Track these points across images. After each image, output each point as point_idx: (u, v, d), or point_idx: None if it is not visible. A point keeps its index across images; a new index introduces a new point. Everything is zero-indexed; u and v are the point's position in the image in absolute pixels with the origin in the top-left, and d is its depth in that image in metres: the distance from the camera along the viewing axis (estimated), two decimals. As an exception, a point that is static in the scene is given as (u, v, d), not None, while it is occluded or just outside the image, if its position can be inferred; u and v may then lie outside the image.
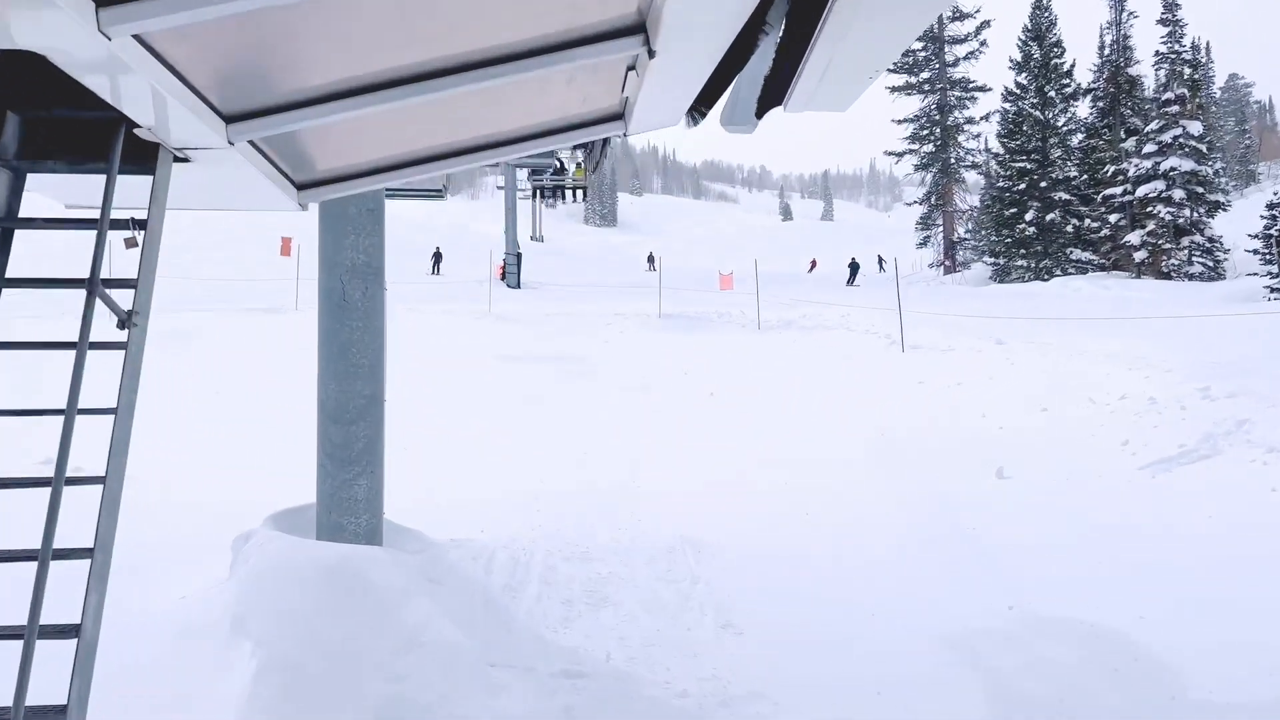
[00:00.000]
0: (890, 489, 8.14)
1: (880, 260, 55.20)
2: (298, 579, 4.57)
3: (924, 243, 43.76)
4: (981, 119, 41.36)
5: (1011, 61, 35.96)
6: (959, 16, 41.34)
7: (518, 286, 28.59)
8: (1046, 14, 35.30)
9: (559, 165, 20.34)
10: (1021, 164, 34.14)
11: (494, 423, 10.69)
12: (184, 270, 29.55)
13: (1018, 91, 35.51)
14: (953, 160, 42.10)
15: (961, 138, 42.15)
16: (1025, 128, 34.39)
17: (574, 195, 21.01)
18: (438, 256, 35.74)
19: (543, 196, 22.12)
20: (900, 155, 43.29)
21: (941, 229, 42.85)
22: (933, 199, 43.00)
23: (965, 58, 41.52)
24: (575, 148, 20.97)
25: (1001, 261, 34.53)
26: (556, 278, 36.29)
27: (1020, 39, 35.53)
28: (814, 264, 52.66)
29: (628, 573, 6.33)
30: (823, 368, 13.91)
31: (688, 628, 5.36)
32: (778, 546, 6.87)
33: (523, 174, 72.55)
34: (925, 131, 42.57)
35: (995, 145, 39.35)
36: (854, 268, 37.75)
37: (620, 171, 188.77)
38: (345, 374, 5.71)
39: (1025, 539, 6.27)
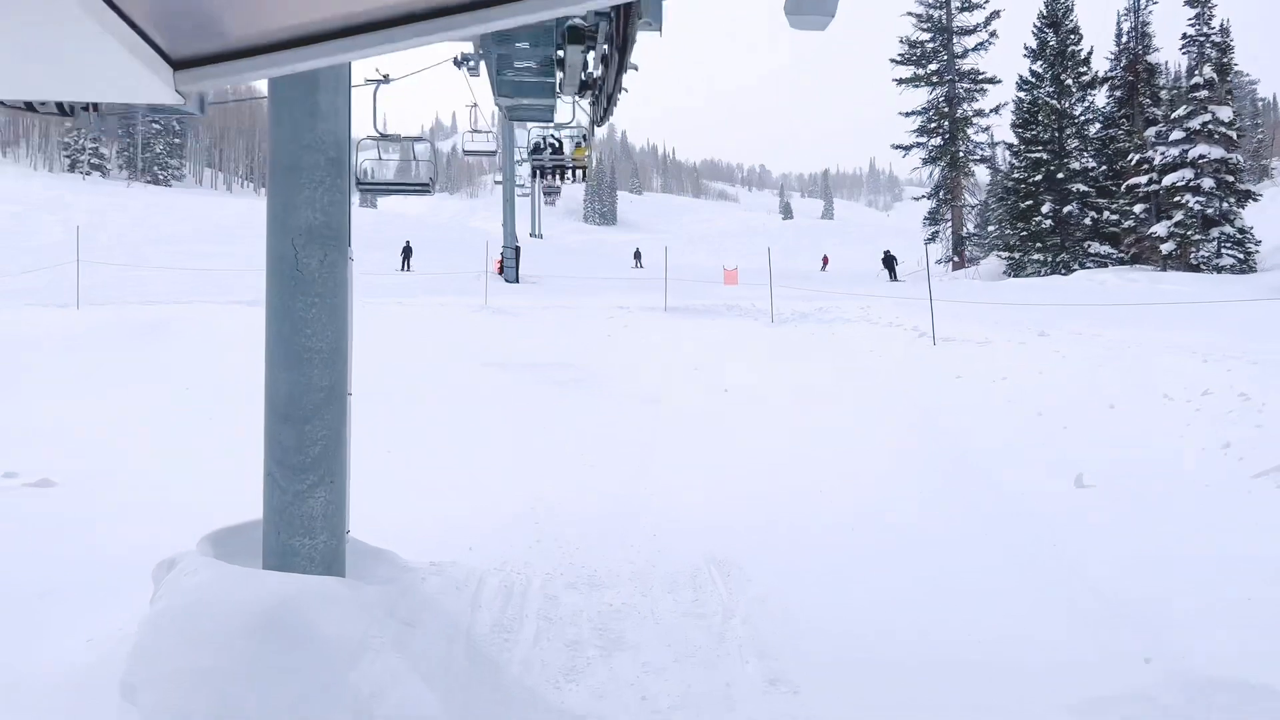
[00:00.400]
0: (947, 497, 6.98)
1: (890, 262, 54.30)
2: (217, 629, 3.42)
3: (932, 238, 42.67)
4: (991, 111, 40.27)
5: (1026, 49, 34.80)
6: (968, 6, 40.27)
7: (516, 281, 27.44)
8: (1062, 0, 34.15)
9: (557, 144, 19.24)
10: (1037, 154, 32.96)
11: (487, 424, 9.53)
12: (171, 260, 28.48)
13: (1033, 80, 34.33)
14: (961, 154, 40.98)
15: (970, 130, 41.01)
16: (1041, 117, 33.21)
17: (574, 175, 19.79)
18: (407, 251, 33.65)
19: (541, 176, 21.39)
20: (907, 149, 42.16)
21: (950, 224, 41.71)
22: (940, 193, 41.86)
23: (974, 49, 40.41)
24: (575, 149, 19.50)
25: (1016, 256, 33.36)
26: (556, 272, 35.16)
27: (1035, 25, 34.33)
28: (826, 261, 51.15)
29: (646, 605, 5.17)
30: (847, 362, 12.76)
31: (727, 682, 4.20)
32: (821, 569, 5.72)
33: (523, 170, 71.52)
34: (933, 124, 41.45)
35: (1008, 136, 38.23)
36: (890, 261, 35.45)
37: (620, 170, 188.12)
38: (297, 360, 4.52)
39: (1132, 564, 5.11)
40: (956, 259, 40.92)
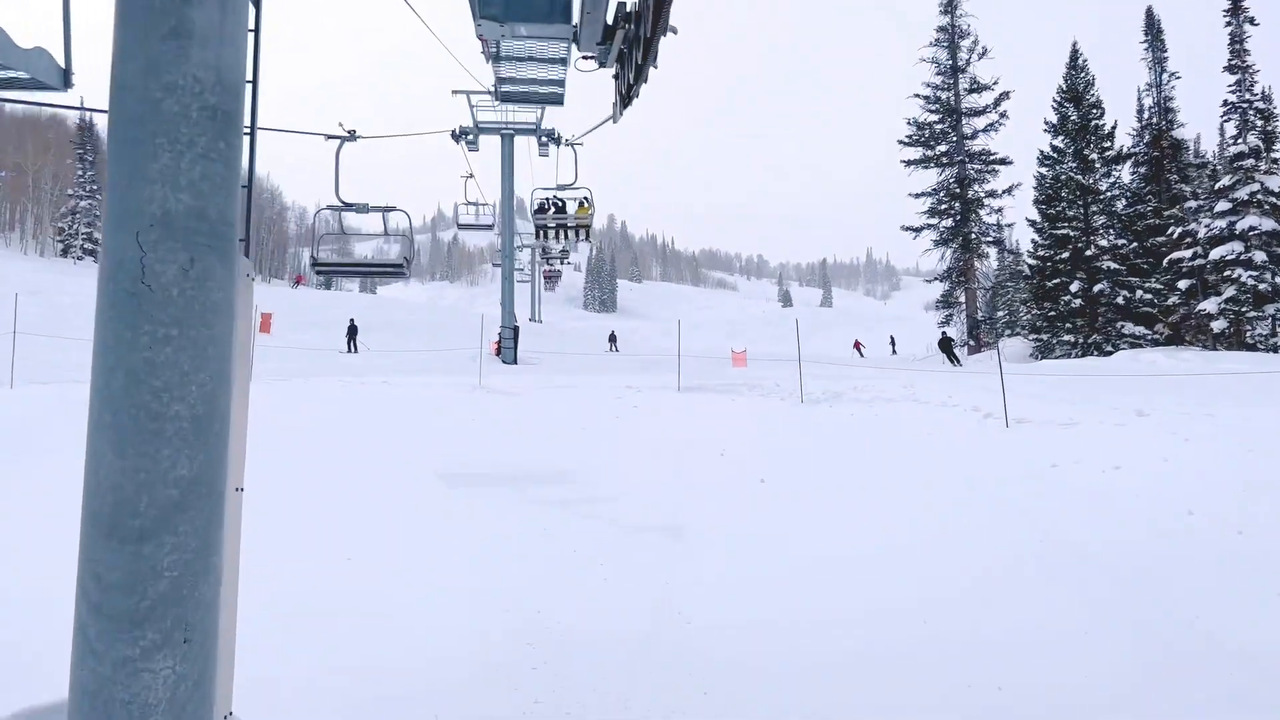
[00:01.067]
0: (1105, 626, 4.85)
1: (892, 341, 52.92)
2: None
3: (946, 322, 41.07)
4: (1004, 192, 39.17)
5: (1046, 124, 33.78)
6: (976, 88, 39.62)
7: (514, 362, 25.56)
8: (1083, 74, 33.26)
9: (560, 204, 19.04)
10: (1063, 231, 31.38)
11: (468, 531, 7.38)
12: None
13: (1054, 155, 33.16)
14: (974, 235, 39.74)
15: (983, 212, 39.87)
16: (1065, 193, 31.83)
17: (578, 235, 19.53)
18: (352, 330, 31.12)
19: (544, 238, 20.40)
20: (918, 230, 40.92)
21: (964, 307, 40.15)
22: (954, 276, 40.46)
23: (984, 130, 39.58)
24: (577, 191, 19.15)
25: (1044, 337, 31.53)
26: (554, 353, 33.36)
27: (1056, 100, 33.36)
28: (860, 346, 49.42)
29: None
30: (904, 447, 10.66)
31: None
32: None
33: (523, 255, 70.59)
34: (944, 206, 40.36)
35: (1022, 216, 37.02)
36: (948, 344, 31.36)
37: (620, 259, 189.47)
38: (134, 433, 2.34)
39: None
40: (973, 343, 39.22)
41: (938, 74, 40.34)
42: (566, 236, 19.42)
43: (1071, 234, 30.96)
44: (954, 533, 7.32)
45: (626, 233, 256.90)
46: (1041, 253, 32.69)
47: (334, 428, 11.02)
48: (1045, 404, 12.01)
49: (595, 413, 13.09)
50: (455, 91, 25.79)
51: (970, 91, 39.73)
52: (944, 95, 40.14)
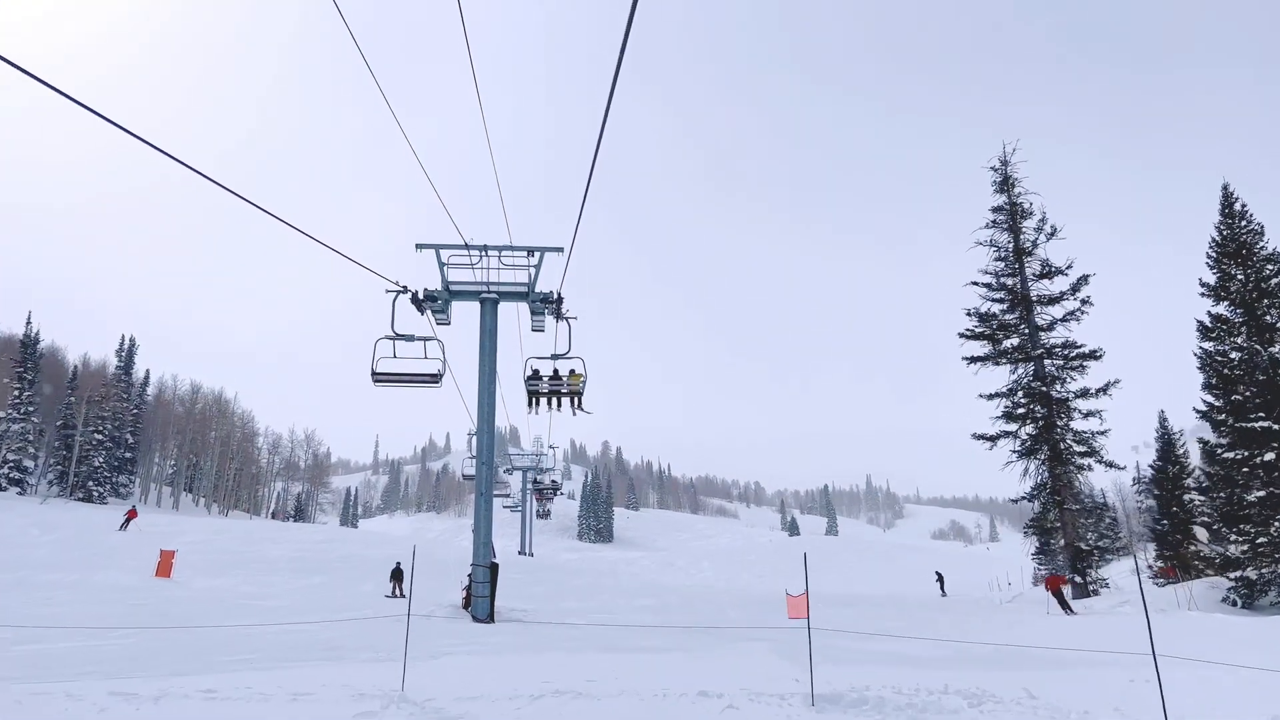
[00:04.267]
0: None
1: (940, 580, 42.66)
2: None
3: (1041, 552, 32.85)
4: (1099, 391, 32.19)
5: (1204, 287, 27.00)
6: (1048, 272, 33.89)
7: (488, 617, 17.20)
8: (1244, 222, 27.10)
9: (553, 371, 18.89)
10: (1261, 422, 23.92)
11: None
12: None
13: (1220, 327, 26.59)
14: (1065, 444, 32.32)
15: (1075, 420, 32.64)
16: (1247, 375, 24.94)
17: (572, 403, 19.31)
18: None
19: (535, 403, 19.11)
20: (993, 440, 33.64)
21: (1061, 532, 31.94)
22: (1044, 493, 32.62)
23: (1062, 320, 33.37)
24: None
25: (1249, 575, 23.35)
26: (547, 602, 24.87)
27: (1211, 257, 26.97)
28: (942, 579, 40.60)
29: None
30: None
31: None
32: None
33: (514, 479, 62.22)
34: (1022, 410, 33.33)
35: (1127, 421, 29.64)
36: (1059, 592, 24.21)
37: (616, 486, 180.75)
38: None
39: None
40: (1078, 579, 30.67)
41: (998, 259, 34.76)
42: (559, 404, 19.24)
43: (1275, 427, 23.60)
44: None
45: (622, 459, 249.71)
46: (1226, 454, 25.04)
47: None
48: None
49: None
50: (421, 246, 19.31)
51: (1041, 276, 33.94)
52: (1010, 281, 34.35)
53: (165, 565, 24.89)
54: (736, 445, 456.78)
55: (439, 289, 19.02)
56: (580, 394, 18.85)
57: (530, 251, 19.34)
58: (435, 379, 17.40)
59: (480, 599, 17.49)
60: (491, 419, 18.93)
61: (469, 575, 18.44)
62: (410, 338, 17.41)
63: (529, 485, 64.13)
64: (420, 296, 18.62)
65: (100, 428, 62.73)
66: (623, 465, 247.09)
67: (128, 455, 69.15)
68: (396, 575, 25.12)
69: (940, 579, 40.75)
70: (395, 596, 23.33)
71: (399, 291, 17.60)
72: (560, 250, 19.21)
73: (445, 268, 18.98)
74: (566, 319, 19.23)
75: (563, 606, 24.63)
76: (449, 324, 19.85)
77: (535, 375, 18.60)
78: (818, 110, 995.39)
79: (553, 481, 41.04)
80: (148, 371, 78.84)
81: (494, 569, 18.02)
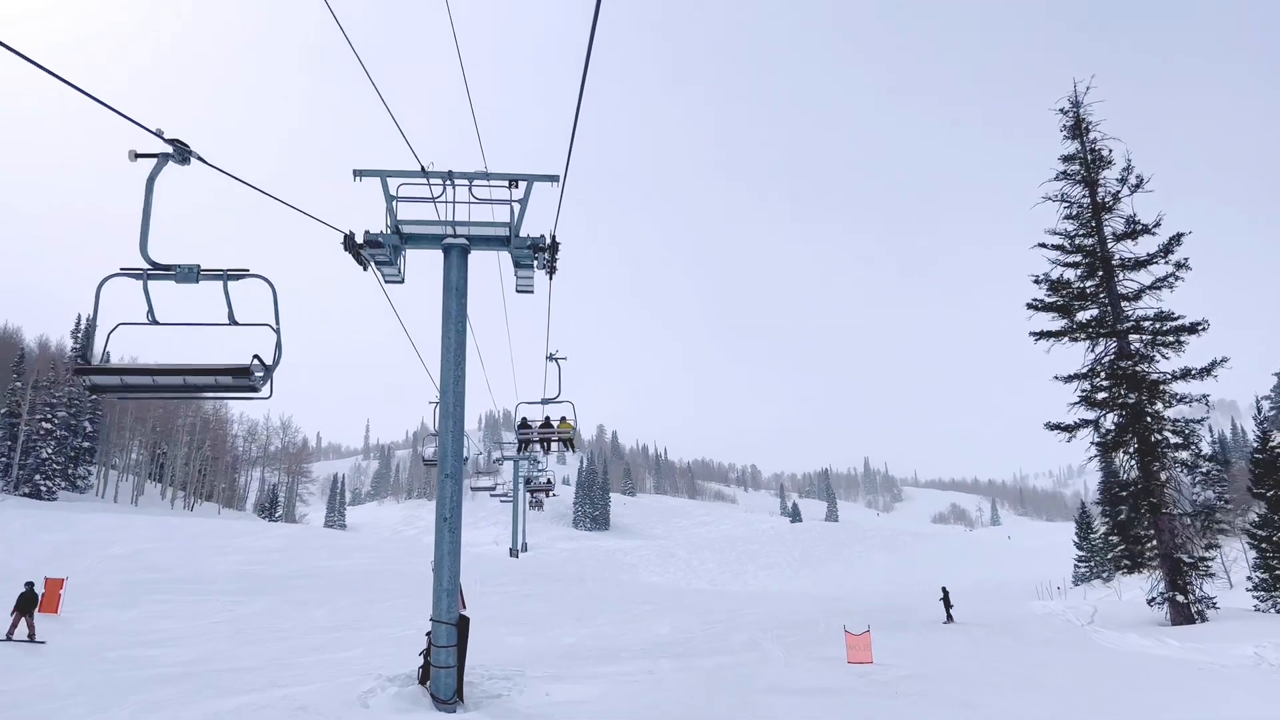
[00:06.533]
0: None
1: (946, 599, 28.57)
2: None
3: (1131, 562, 27.66)
4: (1200, 372, 26.82)
5: None
6: (1132, 231, 28.38)
7: (451, 702, 11.93)
8: None
9: (544, 420, 18.89)
10: None
11: None
12: None
13: None
14: (1158, 434, 26.95)
15: (1170, 408, 27.30)
16: None
17: (561, 448, 18.70)
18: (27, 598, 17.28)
19: (525, 448, 19.79)
20: (1071, 430, 28.30)
21: (1156, 541, 26.65)
22: (1132, 493, 27.35)
23: (1150, 287, 27.94)
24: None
25: None
26: (541, 632, 19.88)
27: None
28: (948, 598, 26.85)
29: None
30: None
31: None
32: None
33: (506, 469, 56.70)
34: (1104, 394, 27.96)
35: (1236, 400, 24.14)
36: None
37: (612, 472, 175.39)
38: None
39: None
40: (1180, 597, 25.41)
41: (1068, 218, 29.26)
42: (549, 450, 19.12)
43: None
44: None
45: (618, 443, 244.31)
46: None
47: None
48: None
49: None
50: (360, 172, 13.61)
51: (1123, 237, 28.45)
52: (1087, 242, 28.86)
53: (50, 599, 19.53)
54: (734, 427, 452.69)
55: (386, 231, 13.37)
56: (570, 440, 19.14)
57: (514, 181, 13.50)
58: (243, 378, 7.89)
59: (442, 669, 12.09)
60: (460, 414, 13.37)
61: (426, 635, 13.01)
62: (189, 271, 8.16)
63: (519, 477, 58.87)
64: (359, 240, 13.02)
65: (50, 415, 57.03)
66: (619, 449, 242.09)
67: (85, 445, 63.52)
68: (23, 604, 17.19)
69: (946, 598, 29.93)
70: (9, 640, 16.81)
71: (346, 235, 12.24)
72: (555, 179, 13.38)
73: (395, 202, 13.33)
74: (555, 360, 18.17)
75: (561, 643, 19.45)
76: (401, 281, 14.31)
77: (525, 424, 19.07)
78: (824, 102, 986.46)
79: (547, 480, 36.37)
80: (107, 353, 72.82)
81: (463, 625, 12.60)
